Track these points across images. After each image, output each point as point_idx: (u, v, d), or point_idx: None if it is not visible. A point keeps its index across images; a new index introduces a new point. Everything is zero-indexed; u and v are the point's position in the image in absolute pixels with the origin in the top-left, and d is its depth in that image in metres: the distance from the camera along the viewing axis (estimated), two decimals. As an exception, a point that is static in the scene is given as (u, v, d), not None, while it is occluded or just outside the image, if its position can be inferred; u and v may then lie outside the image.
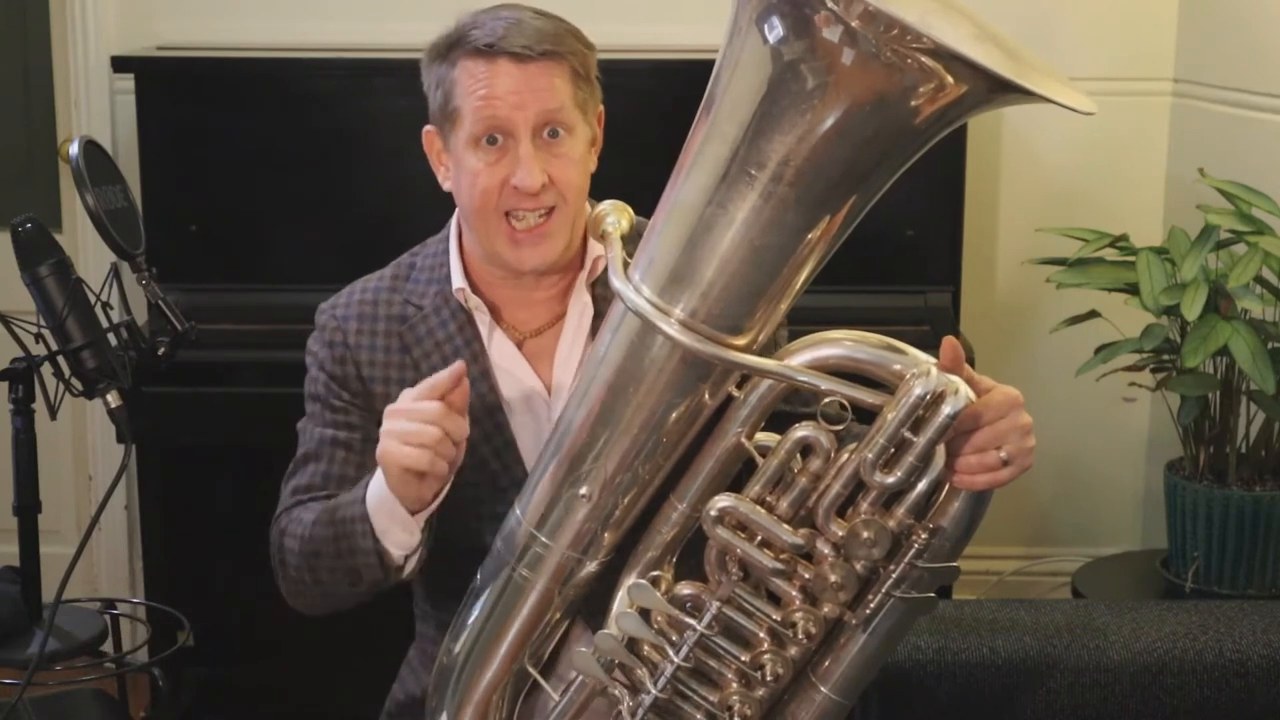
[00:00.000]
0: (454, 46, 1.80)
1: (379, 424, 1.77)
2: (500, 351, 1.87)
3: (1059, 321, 3.13)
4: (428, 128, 1.88)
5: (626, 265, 1.60)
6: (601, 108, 1.87)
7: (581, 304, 1.87)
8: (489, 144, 1.79)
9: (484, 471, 1.85)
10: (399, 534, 1.74)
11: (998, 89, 1.39)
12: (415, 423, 1.66)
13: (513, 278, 1.87)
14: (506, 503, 1.80)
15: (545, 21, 1.81)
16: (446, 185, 1.87)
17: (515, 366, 1.87)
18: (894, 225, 3.16)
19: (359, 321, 1.89)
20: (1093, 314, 3.10)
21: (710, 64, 1.54)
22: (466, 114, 1.79)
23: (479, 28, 1.79)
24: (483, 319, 1.87)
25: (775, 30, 1.44)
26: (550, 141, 1.79)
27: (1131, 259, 2.98)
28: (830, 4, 1.37)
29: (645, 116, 2.84)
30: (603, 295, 1.87)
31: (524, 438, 1.86)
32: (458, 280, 1.87)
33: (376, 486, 1.74)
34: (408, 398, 1.70)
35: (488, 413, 1.85)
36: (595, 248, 1.87)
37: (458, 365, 1.70)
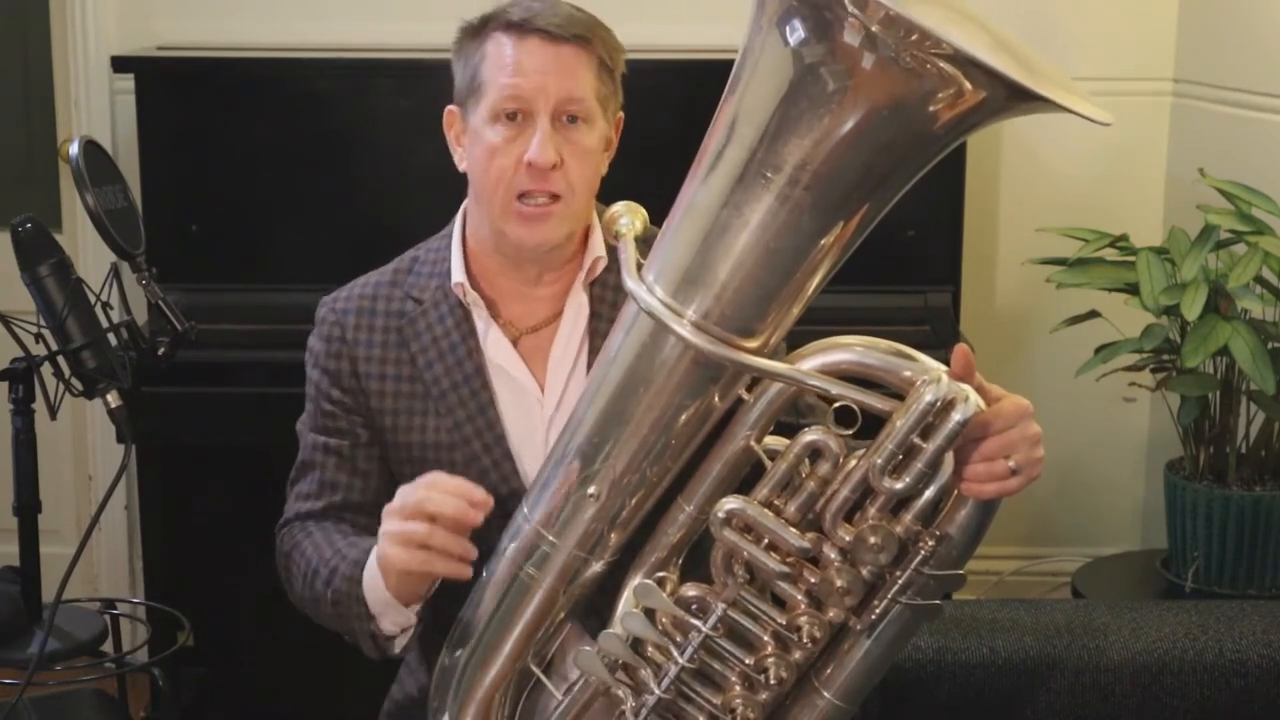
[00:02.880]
0: (487, 23, 1.83)
1: (371, 422, 1.85)
2: (495, 347, 1.88)
3: (1059, 321, 3.13)
4: (450, 108, 1.89)
5: (640, 266, 1.60)
6: (621, 114, 1.89)
7: (578, 303, 1.88)
8: (509, 119, 1.80)
9: (475, 468, 1.85)
10: (394, 615, 1.77)
11: (1016, 97, 1.40)
12: (411, 522, 1.66)
13: (514, 268, 1.88)
14: (497, 500, 1.81)
15: (579, 11, 1.84)
16: (462, 166, 1.88)
17: (509, 363, 1.88)
18: (894, 225, 3.11)
19: (358, 316, 1.90)
20: (1093, 314, 3.10)
21: (714, 64, 1.55)
22: (491, 88, 1.80)
23: (515, 6, 1.82)
24: (480, 314, 1.88)
25: (795, 33, 1.45)
26: (568, 127, 1.80)
27: (1131, 259, 2.98)
28: (851, 8, 1.38)
29: (648, 116, 2.84)
30: (599, 296, 1.88)
31: (515, 434, 1.87)
32: (457, 274, 1.88)
33: (373, 573, 1.75)
34: (406, 495, 1.70)
35: (480, 409, 1.86)
36: (595, 249, 1.88)
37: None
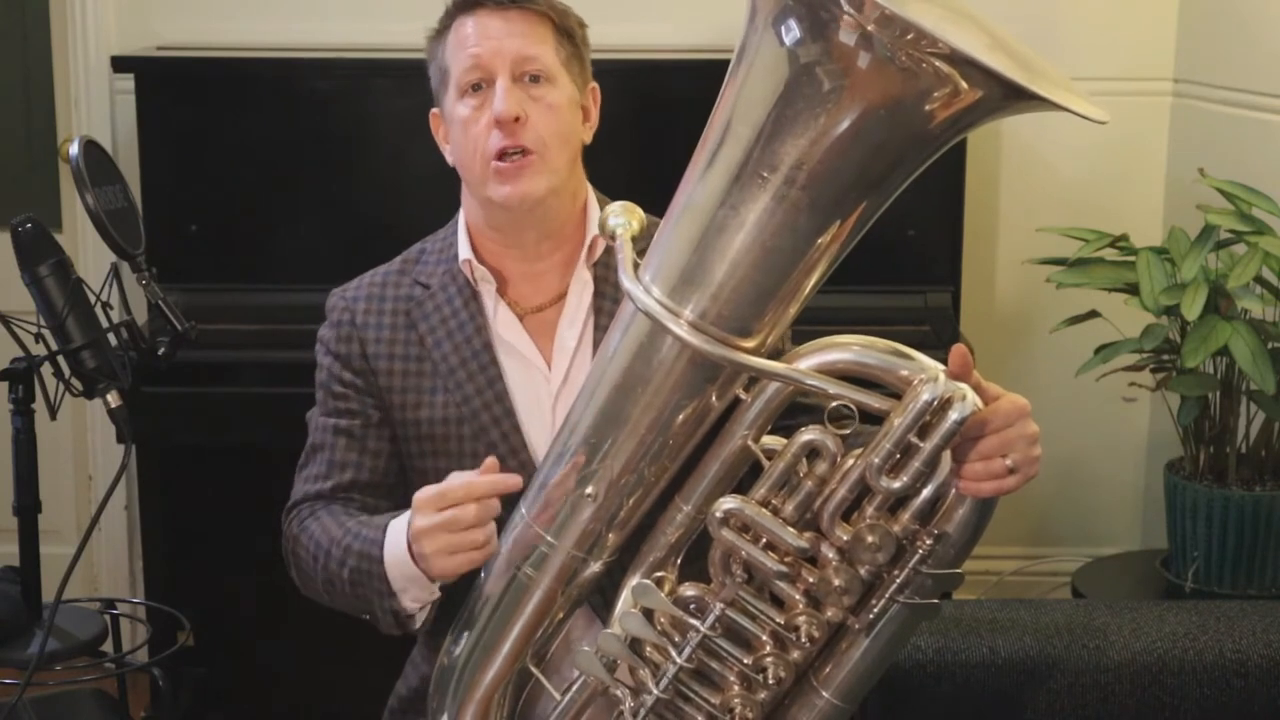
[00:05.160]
0: (445, 18, 1.89)
1: (381, 402, 1.87)
2: (504, 324, 1.91)
3: (1059, 321, 3.13)
4: (433, 110, 1.94)
5: (636, 266, 1.60)
6: (595, 84, 1.93)
7: (582, 282, 1.91)
8: (474, 90, 1.85)
9: (484, 440, 1.88)
10: (417, 592, 1.77)
11: (1013, 96, 1.40)
12: (458, 532, 1.68)
13: (513, 244, 1.90)
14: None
15: None
16: (451, 160, 1.92)
17: (517, 339, 1.91)
18: (894, 225, 3.12)
19: (367, 302, 1.95)
20: (1093, 314, 3.10)
21: (713, 63, 1.55)
22: (455, 68, 1.86)
23: None
24: (488, 290, 1.91)
25: (791, 32, 1.45)
26: (530, 85, 1.85)
27: (1131, 259, 2.98)
28: (846, 7, 1.38)
29: (648, 116, 2.85)
30: (602, 276, 1.91)
31: (523, 409, 1.89)
32: (464, 252, 1.92)
33: (396, 548, 1.75)
34: (433, 498, 1.70)
35: (489, 383, 1.89)
36: (593, 226, 1.91)
37: (490, 466, 1.72)
